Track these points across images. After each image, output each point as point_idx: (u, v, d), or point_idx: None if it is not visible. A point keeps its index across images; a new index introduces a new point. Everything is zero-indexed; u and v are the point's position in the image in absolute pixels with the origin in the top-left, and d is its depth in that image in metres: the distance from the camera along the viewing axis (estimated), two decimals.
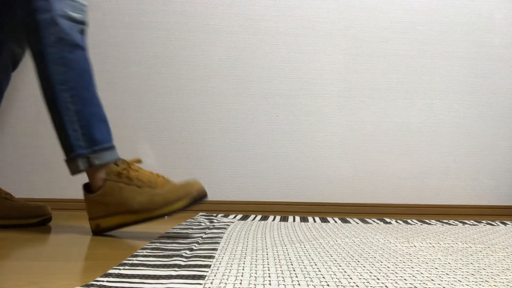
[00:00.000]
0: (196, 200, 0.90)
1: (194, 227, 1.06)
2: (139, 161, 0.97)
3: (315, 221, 1.23)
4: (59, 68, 0.93)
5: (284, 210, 1.47)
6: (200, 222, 1.14)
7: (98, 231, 0.96)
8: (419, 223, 1.24)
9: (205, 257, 0.72)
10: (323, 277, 0.60)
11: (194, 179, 0.92)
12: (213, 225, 1.09)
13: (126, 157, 0.99)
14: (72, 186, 1.47)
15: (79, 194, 1.46)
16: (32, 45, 0.95)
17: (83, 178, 1.48)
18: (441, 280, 0.60)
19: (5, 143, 1.48)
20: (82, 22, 0.96)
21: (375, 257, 0.74)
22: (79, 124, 0.94)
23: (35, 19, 0.92)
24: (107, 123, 0.98)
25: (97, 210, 0.95)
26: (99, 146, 0.95)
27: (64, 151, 0.97)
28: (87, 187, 0.99)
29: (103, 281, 0.57)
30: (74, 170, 0.96)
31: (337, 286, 0.57)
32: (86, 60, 0.96)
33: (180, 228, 1.03)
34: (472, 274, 0.64)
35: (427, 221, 1.29)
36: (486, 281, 0.60)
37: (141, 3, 1.49)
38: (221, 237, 0.92)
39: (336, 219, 1.31)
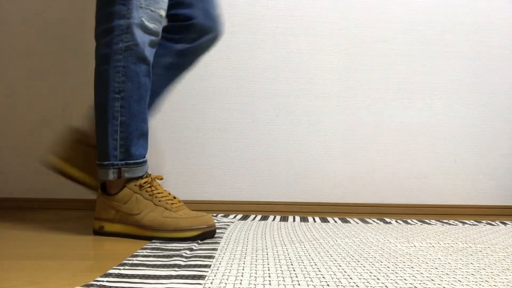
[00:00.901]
0: (204, 235, 0.90)
1: None
2: (161, 178, 0.97)
3: (315, 221, 1.23)
4: (119, 77, 0.92)
5: (284, 210, 1.47)
6: None
7: (99, 233, 0.97)
8: (419, 223, 1.24)
9: (205, 257, 0.72)
10: (323, 277, 0.60)
11: (208, 214, 0.93)
12: None
13: None
14: (72, 186, 1.47)
15: (79, 194, 1.46)
16: (102, 46, 0.94)
17: None
18: (441, 280, 0.60)
19: (4, 143, 1.48)
20: (155, 34, 0.95)
21: (375, 257, 0.74)
22: (121, 135, 0.94)
23: (111, 23, 0.92)
24: (146, 138, 0.98)
25: (107, 213, 0.96)
26: (133, 160, 0.94)
27: (98, 155, 0.96)
28: (104, 187, 0.99)
29: (103, 281, 0.57)
30: (102, 177, 0.95)
31: (337, 286, 0.57)
32: (147, 75, 0.95)
33: None
34: (472, 274, 0.64)
35: (427, 221, 1.29)
36: (486, 281, 0.60)
37: None
38: (221, 237, 0.92)
39: (336, 219, 1.31)
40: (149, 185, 0.94)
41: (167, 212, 0.92)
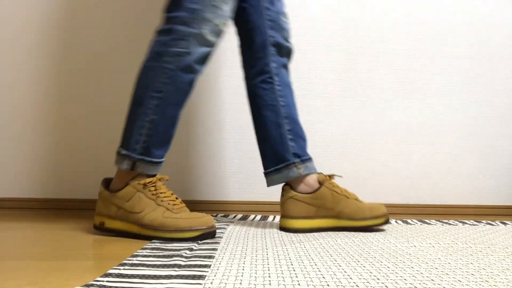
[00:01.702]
0: (204, 236, 0.91)
1: None
2: (166, 179, 0.98)
3: None
4: (164, 78, 0.94)
5: None
6: None
7: (100, 228, 0.97)
8: (419, 223, 1.24)
9: (205, 257, 0.72)
10: (323, 277, 0.60)
11: (208, 215, 0.93)
12: None
13: None
14: (71, 186, 1.47)
15: (79, 194, 1.46)
16: (158, 43, 0.95)
17: (82, 178, 1.48)
18: (441, 280, 0.60)
19: (4, 143, 1.48)
20: (211, 45, 0.96)
21: (375, 257, 0.74)
22: (147, 132, 0.95)
23: (173, 26, 0.93)
24: (170, 142, 0.99)
25: (108, 209, 0.96)
26: (150, 159, 0.96)
27: (121, 142, 0.98)
28: (106, 183, 1.00)
29: (103, 281, 0.57)
30: (117, 163, 0.96)
31: (337, 286, 0.57)
32: (190, 84, 0.97)
33: None
34: (472, 274, 0.64)
35: (427, 221, 1.29)
36: (486, 281, 0.60)
37: (142, 2, 1.49)
38: (221, 237, 0.92)
39: None
40: (153, 185, 0.95)
41: (168, 213, 0.92)
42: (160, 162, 0.98)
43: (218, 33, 0.97)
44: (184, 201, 1.47)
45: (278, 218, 1.29)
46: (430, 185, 1.51)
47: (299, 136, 1.09)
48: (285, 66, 1.12)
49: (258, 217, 1.31)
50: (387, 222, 1.06)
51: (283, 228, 1.04)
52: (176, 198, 0.97)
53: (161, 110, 0.94)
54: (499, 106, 1.53)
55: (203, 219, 0.91)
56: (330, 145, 1.50)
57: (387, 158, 1.50)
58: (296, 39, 1.49)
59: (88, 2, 1.49)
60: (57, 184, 1.48)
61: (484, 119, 1.53)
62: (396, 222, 1.25)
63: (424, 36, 1.52)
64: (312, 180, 1.06)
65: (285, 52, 1.11)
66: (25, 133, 1.48)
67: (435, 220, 1.31)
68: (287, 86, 1.11)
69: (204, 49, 0.95)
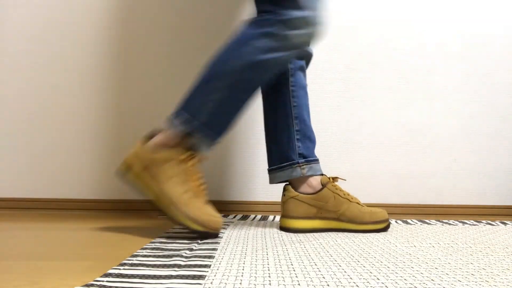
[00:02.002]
0: (206, 235, 0.91)
1: None
2: (205, 159, 0.98)
3: None
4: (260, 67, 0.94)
5: None
6: None
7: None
8: (419, 223, 1.24)
9: (205, 257, 0.72)
10: (323, 277, 0.60)
11: (219, 216, 0.93)
12: None
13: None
14: (70, 186, 1.47)
15: (79, 194, 1.46)
16: (253, 26, 0.94)
17: (81, 178, 1.47)
18: (441, 280, 0.60)
19: (4, 143, 1.48)
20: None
21: (375, 257, 0.74)
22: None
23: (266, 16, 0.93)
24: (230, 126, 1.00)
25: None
26: (206, 126, 0.94)
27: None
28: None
29: (103, 281, 0.57)
30: (170, 125, 0.95)
31: (337, 286, 0.57)
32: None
33: (180, 228, 1.03)
34: (472, 274, 0.64)
35: (427, 221, 1.29)
36: (486, 281, 0.60)
37: (141, 2, 1.49)
38: (221, 237, 0.92)
39: None
40: (185, 162, 0.95)
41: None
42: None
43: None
44: None
45: (278, 218, 1.28)
46: (430, 185, 1.51)
47: (307, 137, 1.10)
48: (302, 69, 1.12)
49: (258, 217, 1.31)
50: (387, 228, 1.06)
51: (283, 228, 1.04)
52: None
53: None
54: (499, 106, 1.53)
55: (213, 220, 0.92)
56: (330, 145, 1.50)
57: (387, 158, 1.50)
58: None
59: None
60: (57, 184, 1.48)
61: (484, 119, 1.53)
62: (396, 222, 1.25)
63: (424, 36, 1.52)
64: (315, 181, 1.07)
65: (304, 55, 1.12)
66: (25, 133, 1.48)
67: (435, 220, 1.31)
68: (302, 88, 1.12)
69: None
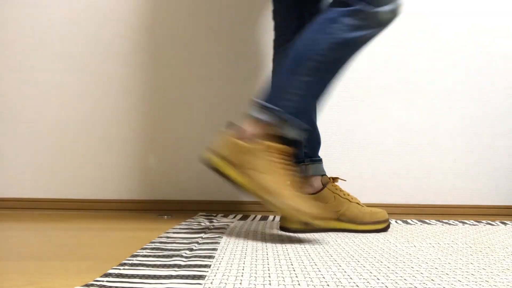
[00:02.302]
0: (308, 229, 0.98)
1: (194, 227, 1.06)
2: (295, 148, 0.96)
3: None
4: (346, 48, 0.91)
5: None
6: (200, 222, 1.14)
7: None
8: (419, 223, 1.24)
9: (205, 257, 0.72)
10: (323, 277, 0.60)
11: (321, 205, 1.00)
12: (213, 225, 1.09)
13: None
14: (70, 186, 1.47)
15: (79, 194, 1.46)
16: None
17: (80, 178, 1.47)
18: (441, 280, 0.60)
19: (4, 143, 1.48)
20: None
21: (375, 257, 0.74)
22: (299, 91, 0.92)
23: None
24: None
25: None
26: (294, 115, 0.91)
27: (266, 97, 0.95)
28: None
29: (103, 281, 0.57)
30: (258, 116, 0.93)
31: (337, 286, 0.57)
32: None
33: (179, 228, 1.03)
34: (472, 274, 0.64)
35: (427, 221, 1.29)
36: (486, 281, 0.60)
37: (141, 2, 1.49)
38: (221, 237, 0.92)
39: None
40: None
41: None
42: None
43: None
44: (185, 201, 1.47)
45: (278, 218, 1.28)
46: (430, 185, 1.51)
47: (314, 138, 1.10)
48: None
49: (258, 217, 1.31)
50: (387, 228, 1.06)
51: (283, 228, 1.04)
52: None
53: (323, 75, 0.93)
54: (499, 106, 1.53)
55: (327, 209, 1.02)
56: (330, 145, 1.50)
57: (387, 158, 1.50)
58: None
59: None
60: (57, 184, 1.48)
61: (484, 119, 1.53)
62: (396, 222, 1.25)
63: (424, 36, 1.52)
64: (316, 182, 1.07)
65: None
66: (25, 133, 1.48)
67: (435, 220, 1.31)
68: None
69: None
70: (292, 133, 0.92)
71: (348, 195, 1.07)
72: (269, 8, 1.24)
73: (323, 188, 1.05)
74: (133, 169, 1.48)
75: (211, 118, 1.49)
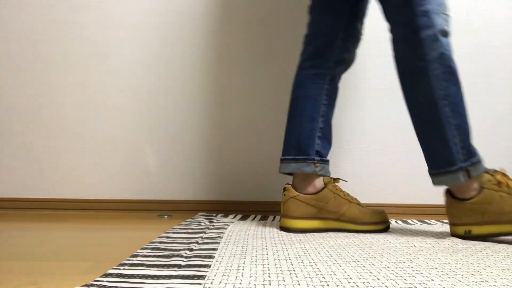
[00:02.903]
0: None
1: (194, 227, 1.06)
2: (503, 170, 0.98)
3: None
4: (442, 84, 0.95)
5: None
6: (200, 222, 1.14)
7: (468, 237, 0.97)
8: (419, 223, 1.24)
9: (205, 257, 0.72)
10: (323, 277, 0.60)
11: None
12: (213, 225, 1.09)
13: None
14: (70, 186, 1.47)
15: (79, 194, 1.46)
16: (413, 60, 0.96)
17: (80, 178, 1.48)
18: (441, 280, 0.60)
19: (4, 143, 1.48)
20: (449, 34, 0.98)
21: (375, 257, 0.74)
22: (459, 138, 0.95)
23: (419, 36, 0.94)
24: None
25: (470, 218, 0.96)
26: (475, 158, 0.96)
27: (436, 164, 0.99)
28: (450, 193, 1.01)
29: (103, 281, 0.57)
30: (452, 182, 0.97)
31: (337, 286, 0.57)
32: (458, 73, 0.97)
33: (179, 228, 1.03)
34: (472, 274, 0.64)
35: (427, 221, 1.29)
36: (486, 281, 0.60)
37: (141, 3, 1.49)
38: (221, 237, 0.92)
39: None
40: (505, 180, 0.95)
41: None
42: (481, 158, 0.98)
43: (449, 20, 0.99)
44: (185, 201, 1.47)
45: (278, 218, 1.28)
46: (430, 185, 1.51)
47: (327, 138, 1.10)
48: (341, 70, 1.13)
49: (258, 217, 1.31)
50: (387, 228, 1.07)
51: (283, 228, 1.04)
52: None
53: (457, 112, 0.95)
54: (499, 106, 1.53)
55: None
56: None
57: (387, 158, 1.50)
58: (297, 39, 1.49)
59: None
60: (57, 184, 1.48)
61: (484, 119, 1.53)
62: (396, 222, 1.25)
63: None
64: (319, 181, 1.07)
65: (348, 58, 1.14)
66: (25, 133, 1.48)
67: (435, 220, 1.31)
68: (336, 89, 1.13)
69: (448, 39, 0.98)
70: (481, 167, 0.96)
71: (348, 195, 1.07)
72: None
73: (323, 188, 1.05)
74: (133, 169, 1.48)
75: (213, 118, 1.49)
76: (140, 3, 1.50)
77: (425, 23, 0.94)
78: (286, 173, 1.10)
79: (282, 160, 1.10)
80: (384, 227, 1.05)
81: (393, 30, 1.01)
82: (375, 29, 1.51)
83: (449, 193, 1.00)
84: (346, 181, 1.15)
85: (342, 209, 1.05)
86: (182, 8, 1.50)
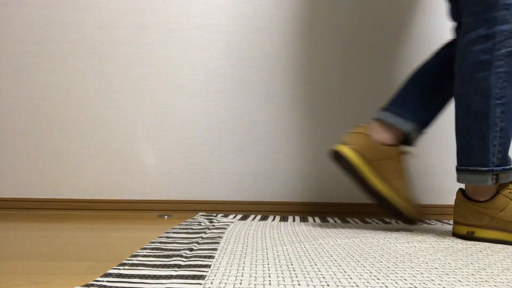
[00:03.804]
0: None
1: (194, 227, 1.06)
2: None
3: (315, 221, 1.23)
4: (501, 83, 0.91)
5: (284, 210, 1.47)
6: (200, 222, 1.14)
7: (469, 238, 0.96)
8: (419, 223, 1.24)
9: (205, 257, 0.72)
10: (323, 277, 0.60)
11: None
12: (213, 225, 1.09)
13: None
14: (70, 186, 1.47)
15: (79, 194, 1.46)
16: (479, 53, 0.93)
17: (80, 178, 1.48)
18: (441, 280, 0.60)
19: (4, 143, 1.48)
20: None
21: (375, 257, 0.74)
22: (499, 141, 0.93)
23: (493, 29, 0.90)
24: None
25: (478, 219, 0.95)
26: (508, 165, 0.94)
27: (468, 161, 0.96)
28: (462, 192, 1.00)
29: (103, 281, 0.57)
30: (477, 182, 0.95)
31: (337, 286, 0.57)
32: None
33: (180, 228, 1.03)
34: (472, 274, 0.64)
35: (427, 221, 1.29)
36: (486, 281, 0.60)
37: (141, 3, 1.49)
38: (221, 237, 0.92)
39: (336, 219, 1.31)
40: None
41: None
42: None
43: None
44: (185, 201, 1.47)
45: (278, 218, 1.28)
46: (430, 185, 1.51)
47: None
48: None
49: (258, 217, 1.31)
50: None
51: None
52: None
53: (507, 115, 0.92)
54: None
55: None
56: (331, 145, 1.50)
57: None
58: (297, 39, 1.49)
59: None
60: (58, 184, 1.48)
61: None
62: (396, 222, 1.25)
63: (421, 36, 1.52)
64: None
65: None
66: (25, 133, 1.48)
67: (435, 220, 1.31)
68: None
69: None
70: (509, 177, 0.94)
71: None
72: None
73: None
74: (133, 169, 1.48)
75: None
76: (140, 3, 1.49)
77: (504, 17, 0.89)
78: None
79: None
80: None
81: (464, 19, 0.96)
82: (373, 28, 1.51)
83: (461, 192, 0.99)
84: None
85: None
86: (182, 8, 1.50)
